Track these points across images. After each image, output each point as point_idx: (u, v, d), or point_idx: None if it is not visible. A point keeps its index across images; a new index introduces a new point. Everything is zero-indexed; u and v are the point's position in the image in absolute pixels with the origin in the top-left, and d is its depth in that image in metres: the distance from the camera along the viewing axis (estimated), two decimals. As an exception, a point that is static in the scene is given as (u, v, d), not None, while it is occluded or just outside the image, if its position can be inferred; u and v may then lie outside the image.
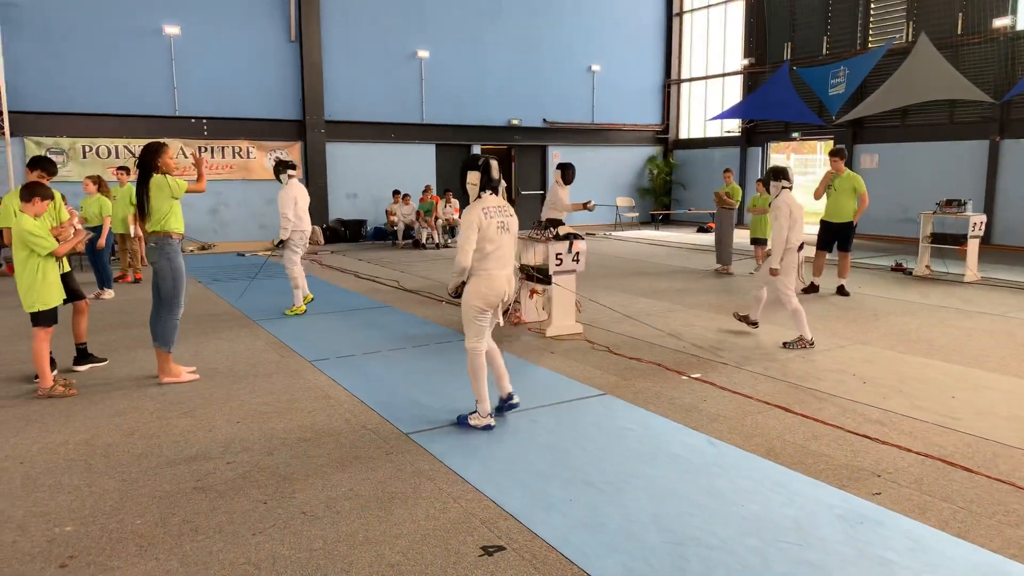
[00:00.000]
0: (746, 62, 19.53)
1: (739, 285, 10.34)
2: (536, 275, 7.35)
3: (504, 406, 4.82)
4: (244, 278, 11.15)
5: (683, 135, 21.92)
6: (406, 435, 4.49)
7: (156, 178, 5.46)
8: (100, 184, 9.98)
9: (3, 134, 13.24)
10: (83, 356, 6.09)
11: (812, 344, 6.62)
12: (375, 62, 17.09)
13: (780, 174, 6.77)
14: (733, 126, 20.16)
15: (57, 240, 5.36)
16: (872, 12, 16.72)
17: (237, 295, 9.49)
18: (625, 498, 3.62)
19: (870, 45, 16.51)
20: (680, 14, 21.47)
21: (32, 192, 5.23)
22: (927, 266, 10.87)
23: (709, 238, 15.79)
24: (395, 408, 4.98)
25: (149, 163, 5.47)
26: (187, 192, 5.65)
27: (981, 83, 13.61)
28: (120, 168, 10.81)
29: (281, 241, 8.08)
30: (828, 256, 9.72)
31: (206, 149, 15.48)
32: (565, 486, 3.76)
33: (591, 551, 3.11)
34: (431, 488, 3.74)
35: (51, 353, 5.49)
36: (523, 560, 3.05)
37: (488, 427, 4.56)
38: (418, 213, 16.03)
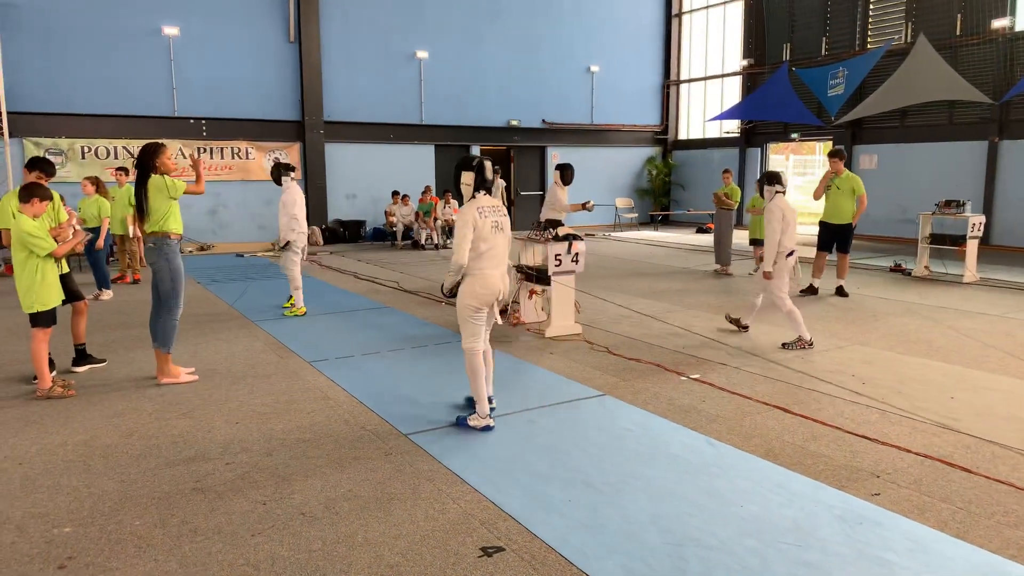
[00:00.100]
0: (745, 63, 19.54)
1: (738, 286, 10.35)
2: (531, 272, 7.35)
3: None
4: (243, 279, 11.15)
5: (682, 136, 21.93)
6: (405, 436, 4.49)
7: (154, 179, 5.45)
8: (98, 185, 9.98)
9: (2, 135, 13.23)
10: (82, 357, 6.08)
11: (811, 344, 6.63)
12: (374, 63, 17.09)
13: (774, 179, 6.82)
14: (732, 127, 20.16)
15: (56, 241, 5.36)
16: (871, 13, 16.73)
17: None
18: (624, 499, 3.62)
19: (869, 46, 16.53)
20: (679, 15, 21.48)
21: (31, 193, 5.22)
22: (926, 267, 10.87)
23: (708, 239, 15.80)
24: (394, 409, 4.98)
25: (147, 163, 5.47)
26: (186, 194, 5.63)
27: (980, 84, 13.62)
28: (119, 169, 10.81)
29: (287, 243, 8.09)
30: (828, 257, 9.72)
31: (205, 150, 15.47)
32: (564, 487, 3.75)
33: (590, 552, 3.11)
34: (430, 489, 3.74)
35: (50, 354, 5.48)
36: (522, 561, 3.05)
37: (487, 428, 4.56)
38: (417, 214, 16.04)
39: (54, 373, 5.62)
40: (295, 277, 8.20)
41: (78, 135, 14.36)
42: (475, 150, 18.54)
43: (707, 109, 20.84)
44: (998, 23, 14.26)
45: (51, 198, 5.43)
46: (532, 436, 4.48)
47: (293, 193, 8.08)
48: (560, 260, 7.02)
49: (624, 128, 20.95)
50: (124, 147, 14.68)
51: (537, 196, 19.23)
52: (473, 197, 4.53)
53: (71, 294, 5.79)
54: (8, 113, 13.32)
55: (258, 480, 3.86)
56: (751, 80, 19.43)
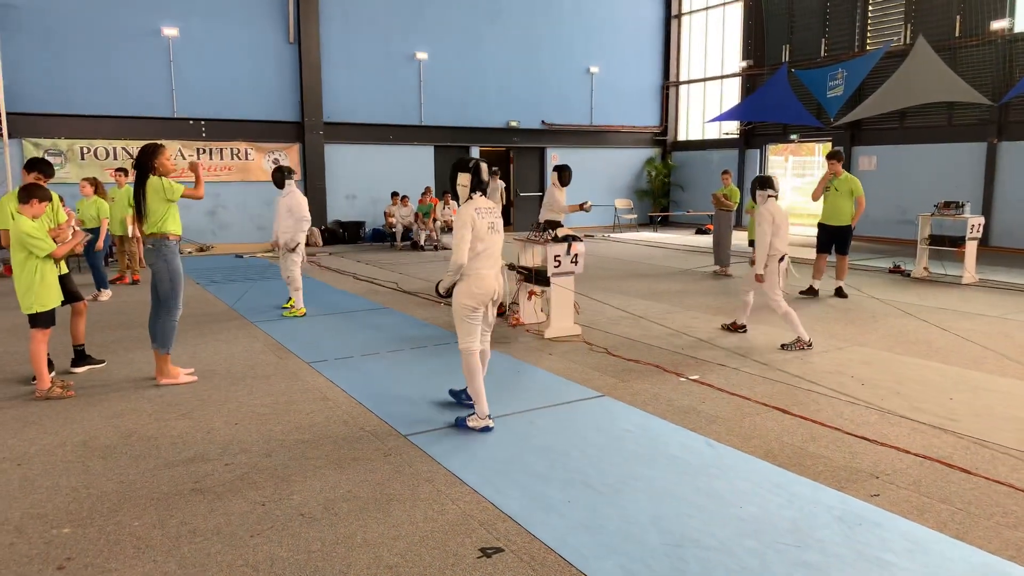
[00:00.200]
0: (744, 64, 19.56)
1: (737, 287, 10.34)
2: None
3: (461, 400, 5.01)
4: (242, 280, 11.15)
5: (681, 137, 21.94)
6: (404, 437, 4.49)
7: (152, 180, 5.45)
8: (97, 186, 9.98)
9: (1, 135, 13.22)
10: (81, 358, 6.08)
11: (810, 344, 6.64)
12: (374, 64, 17.09)
13: (766, 183, 6.92)
14: (732, 128, 20.17)
15: (55, 242, 5.35)
16: (870, 14, 16.75)
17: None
18: (623, 499, 3.62)
19: (868, 47, 16.54)
20: (679, 16, 21.49)
21: (30, 194, 5.22)
22: (925, 268, 10.88)
23: (707, 240, 15.80)
24: (393, 410, 4.98)
25: (145, 164, 5.46)
26: (184, 197, 5.59)
27: (979, 85, 13.63)
28: (118, 170, 10.82)
29: (296, 245, 8.18)
30: (828, 259, 9.71)
31: (204, 151, 15.47)
32: (563, 488, 3.75)
33: (589, 552, 3.11)
34: (429, 490, 3.74)
35: (49, 355, 5.48)
36: (521, 562, 3.05)
37: (487, 428, 4.56)
38: (416, 215, 16.04)
39: (53, 374, 5.61)
40: (296, 278, 8.23)
41: (77, 136, 14.36)
42: (475, 151, 18.55)
43: (706, 110, 20.86)
44: (997, 24, 14.27)
45: (50, 199, 5.43)
46: (531, 437, 4.48)
47: (299, 196, 8.19)
48: (559, 261, 7.02)
49: (623, 129, 20.96)
50: (123, 148, 14.67)
51: (536, 197, 19.22)
52: (470, 198, 4.57)
53: (70, 295, 5.79)
54: (7, 114, 13.30)
55: (257, 481, 3.86)
56: (750, 81, 19.44)
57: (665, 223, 21.32)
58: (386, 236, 16.77)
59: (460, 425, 4.62)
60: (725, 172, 12.21)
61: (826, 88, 14.71)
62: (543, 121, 19.54)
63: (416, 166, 17.84)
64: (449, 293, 4.62)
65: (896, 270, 11.34)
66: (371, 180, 17.24)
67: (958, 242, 10.50)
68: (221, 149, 15.69)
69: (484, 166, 4.64)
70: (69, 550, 3.17)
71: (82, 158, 14.39)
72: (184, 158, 14.99)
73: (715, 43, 20.72)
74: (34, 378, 5.42)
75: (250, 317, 8.21)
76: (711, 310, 8.52)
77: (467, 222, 4.44)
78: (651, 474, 3.92)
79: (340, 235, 16.78)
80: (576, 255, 7.11)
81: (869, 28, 16.79)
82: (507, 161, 19.65)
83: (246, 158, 15.96)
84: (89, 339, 6.49)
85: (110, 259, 11.93)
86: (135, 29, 14.61)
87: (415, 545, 3.19)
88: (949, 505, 3.55)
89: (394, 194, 16.25)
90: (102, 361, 6.23)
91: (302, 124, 16.31)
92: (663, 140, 21.88)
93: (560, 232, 7.33)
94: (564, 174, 8.60)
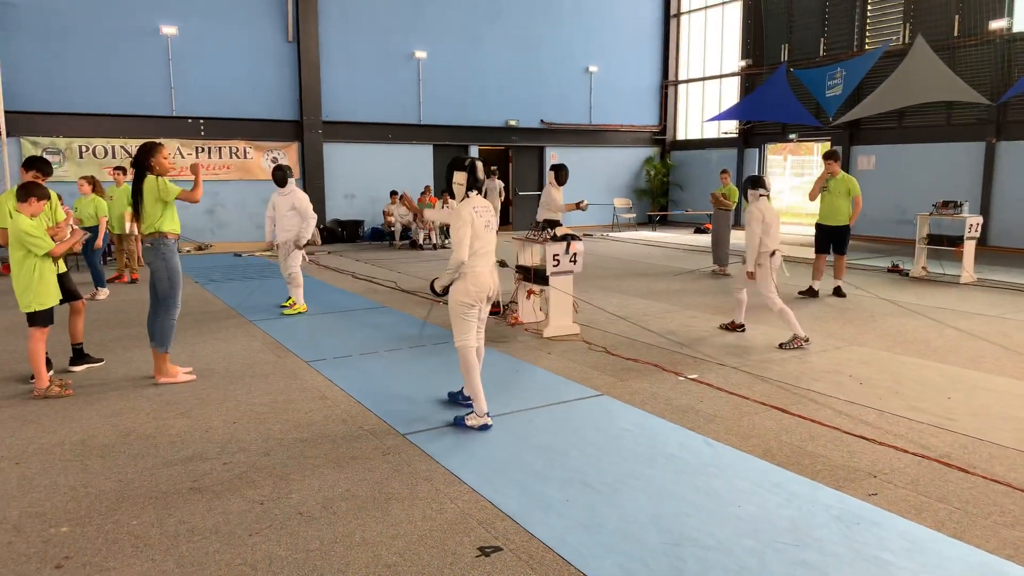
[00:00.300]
0: (743, 63, 19.56)
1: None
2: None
3: (458, 401, 5.01)
4: (243, 278, 11.14)
5: (680, 136, 21.95)
6: (403, 435, 4.49)
7: (148, 179, 5.44)
8: (95, 185, 9.98)
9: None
10: (79, 356, 6.07)
11: (807, 341, 6.66)
12: (373, 63, 17.08)
13: (757, 183, 7.00)
14: (730, 127, 20.18)
15: (53, 240, 5.35)
16: (869, 14, 16.76)
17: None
18: (622, 499, 3.62)
19: (867, 47, 16.55)
20: (678, 15, 21.49)
21: (28, 192, 5.22)
22: (923, 267, 10.89)
23: (706, 239, 15.81)
24: (392, 408, 4.98)
25: (143, 163, 5.46)
26: (179, 199, 5.53)
27: (977, 85, 13.65)
28: (117, 168, 10.82)
29: (306, 242, 8.32)
30: (827, 259, 9.71)
31: (203, 149, 15.45)
32: (562, 487, 3.76)
33: (588, 552, 3.11)
34: (428, 489, 3.74)
35: (47, 353, 5.47)
36: (520, 561, 3.05)
37: (485, 426, 4.57)
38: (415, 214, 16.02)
39: (51, 372, 5.60)
40: (298, 275, 8.32)
41: (76, 134, 14.34)
42: (474, 150, 18.55)
43: (705, 109, 20.86)
44: (996, 24, 14.29)
45: (48, 197, 5.42)
46: (530, 436, 4.48)
47: (301, 194, 8.29)
48: (558, 260, 7.03)
49: (622, 128, 20.96)
50: (122, 146, 14.65)
51: (536, 196, 19.22)
52: (467, 196, 4.60)
53: (68, 293, 5.78)
54: (6, 112, 13.30)
55: (256, 480, 3.86)
56: (749, 81, 19.45)
57: (664, 222, 21.33)
58: (385, 235, 16.77)
59: (459, 424, 4.63)
60: (724, 171, 12.23)
61: (825, 87, 14.72)
62: (542, 120, 19.53)
63: (415, 165, 17.83)
64: (445, 291, 4.64)
65: (894, 269, 11.35)
66: (370, 179, 17.23)
67: (956, 241, 10.51)
68: (220, 148, 15.68)
69: (480, 164, 4.67)
70: (67, 549, 3.16)
71: (80, 157, 14.38)
72: (183, 156, 14.98)
73: (714, 42, 20.72)
74: (32, 377, 5.41)
75: (249, 316, 8.20)
76: (710, 309, 8.53)
77: (467, 220, 4.47)
78: (650, 473, 3.93)
79: (339, 234, 16.77)
80: (575, 254, 7.11)
81: (868, 27, 16.80)
82: (506, 160, 19.65)
83: (245, 157, 15.95)
84: (87, 338, 6.48)
85: (108, 257, 11.93)
86: (134, 28, 14.59)
87: (414, 544, 3.19)
88: (947, 504, 3.55)
89: (393, 193, 16.25)
90: (100, 360, 6.22)
91: (301, 123, 16.30)
92: (662, 139, 21.88)
93: (559, 231, 7.33)
94: (561, 173, 8.65)
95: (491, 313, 7.96)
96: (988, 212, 14.52)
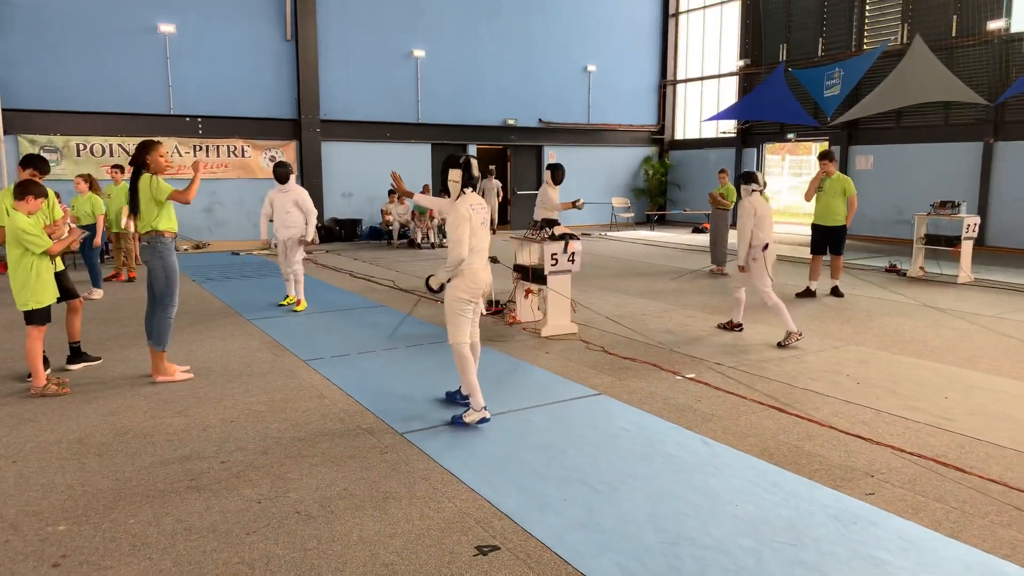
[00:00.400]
0: (742, 63, 19.57)
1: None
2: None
3: (456, 400, 5.00)
4: (239, 277, 11.13)
5: (679, 136, 21.95)
6: (401, 434, 4.48)
7: (143, 178, 5.43)
8: (91, 183, 9.96)
9: (-3, 132, 13.19)
10: (76, 355, 6.06)
11: (801, 335, 6.72)
12: (371, 61, 17.06)
13: (750, 178, 7.06)
14: (729, 127, 20.19)
15: (51, 238, 5.34)
16: (867, 14, 16.77)
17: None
18: (620, 498, 3.62)
19: (865, 47, 16.56)
20: (676, 15, 21.49)
21: (25, 190, 5.21)
22: (921, 267, 10.90)
23: (704, 239, 15.82)
24: (390, 407, 4.98)
25: (139, 161, 5.45)
26: (171, 199, 5.47)
27: (975, 85, 13.66)
28: (114, 167, 10.80)
29: (312, 237, 8.44)
30: (823, 259, 9.71)
31: (201, 148, 15.42)
32: (560, 486, 3.76)
33: (586, 551, 3.12)
34: (426, 487, 3.74)
35: (44, 352, 5.47)
36: (517, 560, 3.05)
37: (484, 420, 4.59)
38: (413, 213, 16.03)
39: (48, 371, 5.60)
40: (301, 272, 8.45)
41: (73, 132, 14.31)
42: (472, 149, 18.54)
43: (704, 109, 20.87)
44: (994, 24, 14.30)
45: (46, 195, 5.41)
46: (528, 435, 4.48)
47: (303, 190, 8.40)
48: (556, 259, 7.03)
49: (621, 128, 20.96)
50: (119, 145, 14.62)
51: (534, 196, 19.21)
52: (462, 193, 4.61)
53: (66, 292, 5.77)
54: (3, 110, 13.27)
55: (253, 478, 3.86)
56: (748, 80, 19.46)
57: (662, 222, 21.34)
58: (383, 234, 16.76)
59: (457, 423, 4.63)
60: (722, 171, 12.22)
61: (823, 87, 14.73)
62: (540, 119, 19.53)
63: (413, 164, 17.80)
64: (441, 288, 4.66)
65: (892, 269, 11.36)
66: (368, 178, 17.21)
67: (954, 242, 10.52)
68: (218, 146, 15.65)
69: (475, 162, 4.69)
70: (64, 547, 3.16)
71: (78, 155, 14.35)
72: (180, 155, 14.95)
73: (712, 42, 20.73)
74: (29, 375, 5.41)
75: (246, 314, 8.20)
76: (707, 309, 8.53)
77: (466, 217, 4.50)
78: (647, 472, 3.93)
79: (337, 233, 16.75)
80: (573, 253, 7.12)
81: (866, 27, 16.81)
82: (504, 159, 19.65)
83: (243, 155, 15.93)
84: (85, 336, 6.47)
85: (106, 256, 11.91)
86: (131, 25, 14.56)
87: (411, 543, 3.19)
88: (944, 504, 3.56)
89: (391, 192, 16.22)
90: (98, 358, 6.21)
91: (299, 121, 16.28)
92: (660, 139, 21.89)
93: (557, 231, 7.34)
94: (557, 173, 8.69)
95: (491, 313, 7.98)
96: (986, 212, 14.54)
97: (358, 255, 14.23)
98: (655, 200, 21.60)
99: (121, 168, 10.61)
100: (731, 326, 7.35)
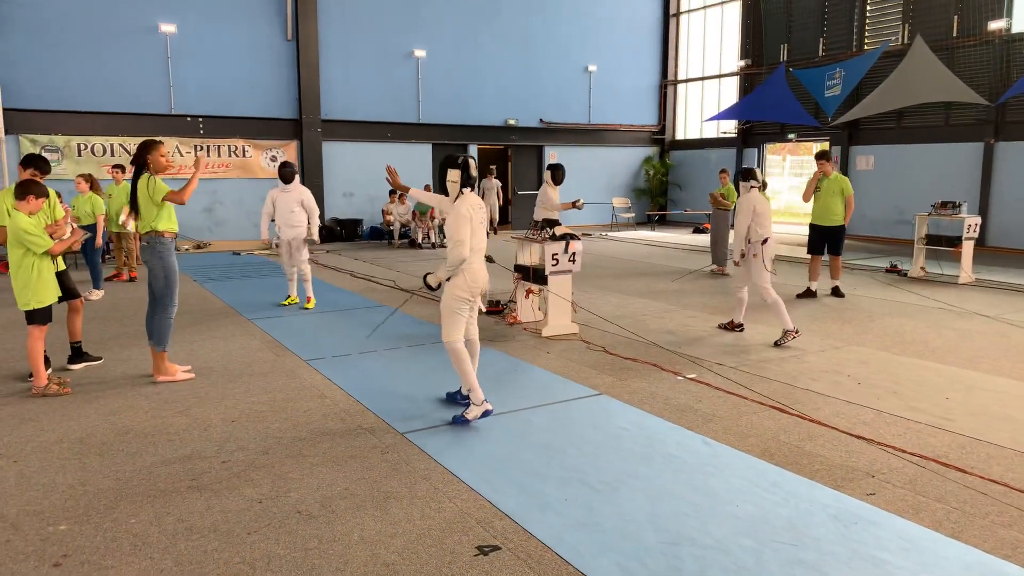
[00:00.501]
0: (743, 63, 19.57)
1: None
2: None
3: (457, 400, 5.01)
4: (240, 276, 11.14)
5: (679, 136, 21.96)
6: (402, 434, 4.49)
7: (143, 178, 5.43)
8: (92, 183, 9.97)
9: (-2, 132, 13.20)
10: (78, 355, 6.07)
11: (798, 333, 6.74)
12: (372, 61, 17.07)
13: (748, 175, 7.09)
14: (729, 127, 20.19)
15: (52, 238, 5.34)
16: (868, 14, 16.77)
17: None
18: (620, 498, 3.62)
19: (866, 47, 16.56)
20: (677, 15, 21.50)
21: (26, 190, 5.21)
22: (922, 268, 10.90)
23: (705, 239, 15.82)
24: (391, 407, 4.98)
25: (140, 160, 5.45)
26: (166, 200, 5.43)
27: (976, 85, 13.66)
28: (115, 166, 10.81)
29: (316, 236, 8.53)
30: (822, 260, 9.71)
31: (202, 148, 15.43)
32: (560, 486, 3.76)
33: (586, 551, 3.12)
34: (426, 487, 3.74)
35: (45, 351, 5.47)
36: (518, 560, 3.06)
37: (487, 413, 4.62)
38: (414, 213, 16.03)
39: (50, 370, 5.60)
40: (308, 271, 8.55)
41: (74, 132, 14.32)
42: (472, 149, 18.55)
43: (704, 109, 20.87)
44: (995, 24, 14.30)
45: (47, 195, 5.42)
46: (528, 435, 4.48)
47: (306, 190, 8.44)
48: (557, 260, 7.03)
49: (622, 128, 20.97)
50: (120, 144, 14.64)
51: (535, 196, 19.21)
52: (461, 193, 4.64)
53: (67, 292, 5.77)
54: (4, 110, 13.28)
55: (254, 478, 3.86)
56: (748, 80, 19.46)
57: (662, 222, 21.34)
58: (384, 234, 16.76)
59: (458, 422, 4.63)
60: (723, 171, 12.22)
61: (824, 87, 14.73)
62: (541, 119, 19.53)
63: (414, 164, 17.80)
64: (439, 286, 4.68)
65: (893, 270, 11.36)
66: (369, 178, 17.20)
67: (955, 242, 10.52)
68: (219, 146, 15.67)
69: (473, 162, 4.71)
70: (65, 547, 3.16)
71: (79, 155, 14.36)
72: (181, 155, 14.96)
73: (713, 42, 20.73)
74: (31, 375, 5.41)
75: (247, 314, 8.20)
76: (708, 309, 8.53)
77: (467, 217, 4.52)
78: (648, 472, 3.93)
79: (338, 233, 16.76)
80: (574, 253, 7.12)
81: (867, 28, 16.80)
82: (505, 159, 19.65)
83: (244, 155, 15.94)
84: (86, 336, 6.48)
85: (107, 256, 11.91)
86: (132, 25, 14.57)
87: (412, 543, 3.19)
88: (944, 504, 3.56)
89: (392, 192, 16.23)
90: (99, 358, 6.22)
91: (300, 121, 16.29)
92: (661, 139, 21.89)
93: (558, 231, 7.34)
94: (557, 173, 8.72)
95: (491, 312, 7.98)
96: (986, 213, 14.54)
97: (359, 255, 14.23)
98: (656, 200, 21.60)
99: (122, 168, 10.63)
100: (732, 326, 7.35)
